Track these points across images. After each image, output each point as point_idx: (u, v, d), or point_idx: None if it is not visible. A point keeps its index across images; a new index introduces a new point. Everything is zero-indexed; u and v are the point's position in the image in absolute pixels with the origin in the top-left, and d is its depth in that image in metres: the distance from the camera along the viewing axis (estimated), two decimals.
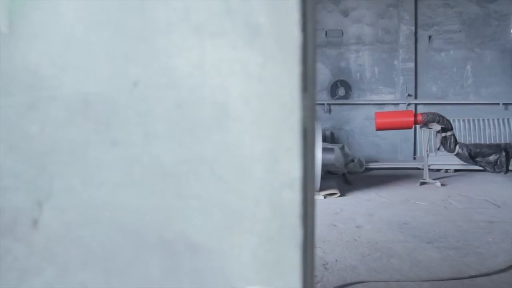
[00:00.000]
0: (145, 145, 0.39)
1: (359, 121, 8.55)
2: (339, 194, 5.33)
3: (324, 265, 3.10)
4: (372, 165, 7.67)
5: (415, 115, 6.01)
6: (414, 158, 8.17)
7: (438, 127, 5.91)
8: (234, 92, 0.37)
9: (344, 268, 3.05)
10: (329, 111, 8.62)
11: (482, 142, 7.45)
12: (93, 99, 0.40)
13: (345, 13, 8.59)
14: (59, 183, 0.41)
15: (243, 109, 0.37)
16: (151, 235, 0.39)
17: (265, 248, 0.37)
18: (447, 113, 7.83)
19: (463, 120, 8.04)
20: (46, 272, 0.41)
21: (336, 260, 3.19)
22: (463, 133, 7.93)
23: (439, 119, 5.92)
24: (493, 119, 8.01)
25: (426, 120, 5.96)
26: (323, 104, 8.59)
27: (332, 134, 8.49)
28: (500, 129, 7.94)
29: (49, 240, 0.42)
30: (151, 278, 0.39)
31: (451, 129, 6.04)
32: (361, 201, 5.16)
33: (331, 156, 5.25)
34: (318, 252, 3.37)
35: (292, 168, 0.36)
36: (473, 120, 8.04)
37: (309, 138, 0.37)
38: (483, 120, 8.03)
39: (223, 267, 0.37)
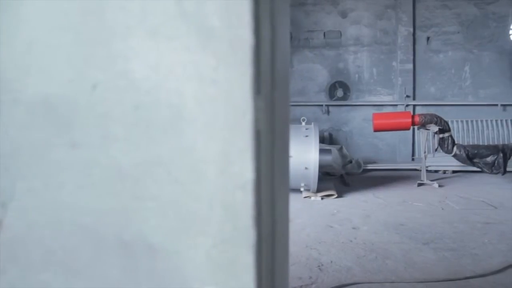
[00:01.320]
0: (104, 147, 0.40)
1: (358, 122, 8.55)
2: (336, 195, 5.32)
3: (319, 266, 3.10)
4: (370, 166, 7.67)
5: (413, 116, 6.01)
6: (413, 159, 8.16)
7: (435, 128, 5.91)
8: (188, 94, 0.38)
9: (339, 269, 3.05)
10: (328, 112, 8.62)
11: (481, 143, 7.45)
12: (54, 102, 0.40)
13: (344, 15, 8.60)
14: (22, 185, 0.41)
15: (197, 111, 0.37)
16: (110, 236, 0.40)
17: (219, 249, 0.37)
18: (446, 114, 7.83)
19: (462, 121, 8.04)
20: (9, 273, 0.42)
21: (331, 261, 3.19)
22: (462, 134, 7.92)
23: (437, 120, 5.92)
24: (491, 120, 8.01)
25: (423, 121, 5.96)
26: (322, 105, 8.59)
27: (330, 135, 8.50)
28: (498, 130, 7.94)
29: (12, 241, 0.42)
30: (111, 278, 0.39)
31: (449, 130, 6.04)
32: (358, 202, 5.16)
33: (328, 157, 5.25)
34: (314, 253, 3.37)
35: (244, 170, 0.37)
36: (472, 121, 8.04)
37: (264, 140, 0.37)
38: (482, 121, 8.03)
39: (180, 268, 0.38)
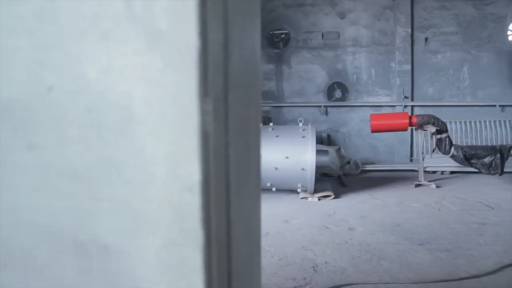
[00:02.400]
0: (59, 149, 0.40)
1: (356, 123, 8.55)
2: (333, 196, 5.32)
3: (313, 267, 3.10)
4: (368, 167, 7.66)
5: (410, 117, 6.01)
6: (411, 160, 8.16)
7: (433, 129, 5.91)
8: (138, 97, 0.38)
9: (333, 270, 3.05)
10: (326, 113, 8.62)
11: (479, 144, 7.44)
12: (11, 105, 0.41)
13: (342, 15, 8.61)
14: None
15: (146, 113, 0.38)
16: (66, 237, 0.40)
17: (168, 250, 0.38)
18: (444, 115, 7.82)
19: (460, 122, 8.04)
20: None
21: (326, 262, 3.19)
22: (460, 135, 7.92)
23: (434, 121, 5.92)
24: (489, 121, 8.00)
25: (421, 122, 5.95)
26: (320, 106, 8.59)
27: (328, 136, 8.49)
28: (497, 131, 7.93)
29: None
30: (66, 278, 0.40)
31: (446, 131, 6.04)
32: (355, 203, 5.16)
33: (325, 159, 5.25)
34: (309, 254, 3.37)
35: (192, 171, 0.37)
36: (470, 122, 8.04)
37: (214, 142, 0.38)
38: (480, 122, 8.02)
39: (131, 268, 0.38)
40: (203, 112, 0.36)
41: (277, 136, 5.23)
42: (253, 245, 0.57)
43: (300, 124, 5.43)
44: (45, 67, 0.40)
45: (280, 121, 8.42)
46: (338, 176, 6.74)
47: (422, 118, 5.96)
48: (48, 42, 0.40)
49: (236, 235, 0.43)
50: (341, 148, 7.48)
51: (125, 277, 0.38)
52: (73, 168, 0.40)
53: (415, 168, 6.77)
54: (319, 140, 8.12)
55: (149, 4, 0.37)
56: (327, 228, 4.10)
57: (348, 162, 7.23)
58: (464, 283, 2.83)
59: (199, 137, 0.36)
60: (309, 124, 5.44)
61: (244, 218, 0.49)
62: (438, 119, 5.95)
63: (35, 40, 0.40)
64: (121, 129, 0.39)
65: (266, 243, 3.61)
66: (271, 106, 8.79)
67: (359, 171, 7.29)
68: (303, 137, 5.19)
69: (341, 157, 7.07)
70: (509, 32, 8.22)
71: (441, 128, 5.95)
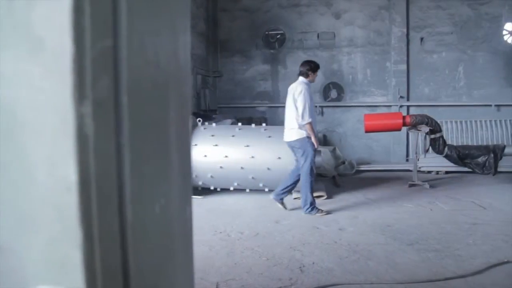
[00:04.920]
0: None
1: (352, 123, 8.54)
2: (326, 197, 5.31)
3: (300, 267, 3.10)
4: (364, 167, 7.66)
5: (404, 117, 6.00)
6: (407, 160, 8.15)
7: (426, 129, 5.90)
8: (22, 102, 0.39)
9: (320, 270, 3.04)
10: (322, 113, 8.62)
11: (475, 144, 7.42)
12: None
13: (337, 16, 8.61)
14: None
15: (29, 117, 0.39)
16: None
17: (51, 248, 0.39)
18: (440, 115, 7.81)
19: (456, 122, 8.03)
20: None
21: (313, 263, 3.19)
22: (456, 135, 7.90)
23: (428, 121, 5.91)
24: (485, 121, 7.99)
25: (414, 122, 5.95)
26: (316, 106, 8.58)
27: (324, 136, 8.49)
28: (492, 131, 7.92)
29: None
30: None
31: (440, 131, 6.03)
32: (348, 203, 5.15)
33: (317, 159, 5.23)
34: (297, 254, 3.37)
35: (69, 172, 0.38)
36: (466, 122, 8.02)
37: (93, 144, 0.39)
38: (476, 121, 8.01)
39: (19, 266, 0.39)
40: (80, 115, 0.37)
41: (269, 137, 5.23)
42: (175, 244, 0.57)
43: None
44: None
45: (276, 122, 8.41)
46: (333, 177, 6.74)
47: (416, 118, 5.96)
48: None
49: (135, 234, 0.44)
50: (336, 149, 7.47)
51: (14, 275, 0.39)
52: None
53: (411, 168, 6.76)
54: None
55: (28, 12, 0.38)
56: (317, 228, 4.10)
57: (343, 162, 7.23)
58: (449, 283, 2.82)
59: (76, 139, 0.37)
60: None
61: (153, 217, 0.49)
62: (431, 119, 5.94)
63: None
64: (7, 133, 0.40)
65: (255, 243, 3.61)
66: (266, 107, 8.79)
67: (354, 171, 7.29)
68: None
69: (336, 157, 7.07)
70: (504, 32, 8.21)
71: (435, 128, 5.95)
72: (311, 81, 4.85)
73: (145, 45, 0.47)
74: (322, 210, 4.59)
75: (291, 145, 4.66)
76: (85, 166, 0.38)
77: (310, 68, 4.77)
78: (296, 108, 4.56)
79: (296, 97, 4.58)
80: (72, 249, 0.38)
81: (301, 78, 4.76)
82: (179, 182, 0.58)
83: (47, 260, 0.39)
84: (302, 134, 4.54)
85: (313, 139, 4.52)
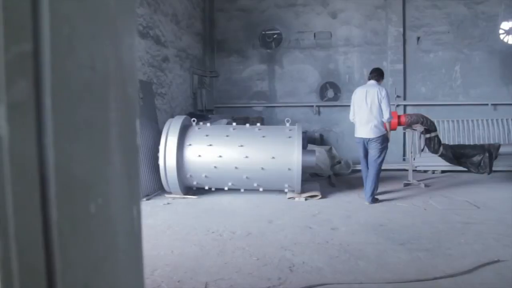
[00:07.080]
0: None
1: (349, 123, 8.50)
2: (320, 196, 5.31)
3: (290, 267, 3.09)
4: (360, 167, 7.64)
5: (399, 117, 6.00)
6: (404, 160, 8.14)
7: (421, 128, 5.89)
8: None
9: (309, 270, 3.04)
10: (319, 113, 8.62)
11: (472, 143, 7.41)
12: None
13: (334, 15, 8.61)
14: None
15: None
16: None
17: None
18: (436, 114, 7.81)
19: (453, 121, 8.02)
20: None
21: (303, 262, 3.19)
22: (453, 134, 7.90)
23: (423, 120, 5.91)
24: (482, 120, 7.98)
25: (409, 121, 5.94)
26: (312, 106, 8.59)
27: (321, 136, 8.49)
28: (489, 130, 7.90)
29: None
30: None
31: (435, 130, 6.02)
32: (342, 203, 5.15)
33: (312, 159, 5.24)
34: (287, 254, 3.37)
35: None
36: (463, 121, 8.01)
37: (7, 145, 0.40)
38: (472, 121, 8.00)
39: None
40: None
41: (263, 137, 5.23)
42: (117, 243, 0.58)
43: (287, 124, 5.42)
44: None
45: (273, 121, 8.43)
46: (328, 176, 6.73)
47: (411, 118, 5.95)
48: None
49: (62, 233, 0.45)
50: (333, 148, 7.47)
51: None
52: None
53: (407, 168, 6.76)
54: (312, 140, 8.12)
55: None
56: (310, 228, 4.09)
57: (339, 162, 7.22)
58: (438, 283, 2.82)
59: None
60: (296, 124, 5.43)
61: (86, 216, 0.50)
62: (426, 118, 5.94)
63: None
64: None
65: (246, 243, 3.61)
66: (263, 106, 8.79)
67: (350, 170, 7.28)
68: (289, 137, 5.18)
69: (332, 157, 7.07)
70: (500, 31, 8.20)
71: (430, 128, 5.94)
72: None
73: (75, 49, 0.47)
74: (378, 199, 5.15)
75: (371, 141, 5.11)
76: None
77: (381, 74, 5.29)
78: (380, 107, 5.00)
79: (382, 98, 5.00)
80: None
81: (374, 82, 5.20)
82: (123, 183, 0.58)
83: None
84: (383, 131, 5.06)
85: (389, 135, 5.15)
